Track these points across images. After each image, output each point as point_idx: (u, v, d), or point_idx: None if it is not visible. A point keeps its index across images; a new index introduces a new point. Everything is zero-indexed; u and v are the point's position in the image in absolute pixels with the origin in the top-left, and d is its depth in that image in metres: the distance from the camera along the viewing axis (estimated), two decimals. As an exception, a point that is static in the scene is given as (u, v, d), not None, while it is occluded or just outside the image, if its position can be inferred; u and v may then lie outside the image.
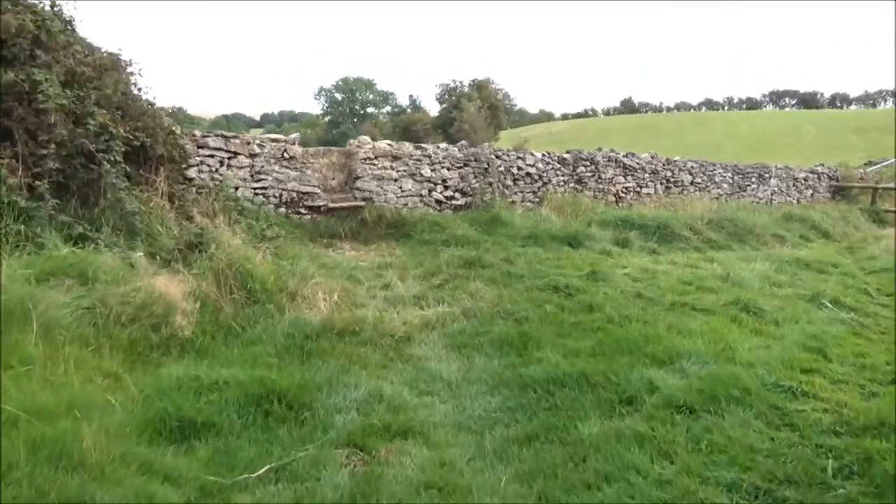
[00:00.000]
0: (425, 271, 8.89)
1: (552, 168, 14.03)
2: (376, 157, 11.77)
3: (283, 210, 10.97)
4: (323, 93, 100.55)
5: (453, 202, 12.59)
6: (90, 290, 5.37)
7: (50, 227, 6.92)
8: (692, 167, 16.25)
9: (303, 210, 11.15)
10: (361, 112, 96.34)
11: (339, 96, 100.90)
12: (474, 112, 56.33)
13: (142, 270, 5.92)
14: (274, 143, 10.96)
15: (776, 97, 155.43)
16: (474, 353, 5.89)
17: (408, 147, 12.21)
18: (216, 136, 10.44)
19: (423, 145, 12.58)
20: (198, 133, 10.38)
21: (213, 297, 5.96)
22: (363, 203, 11.52)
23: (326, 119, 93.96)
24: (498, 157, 13.24)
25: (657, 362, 5.50)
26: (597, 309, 7.11)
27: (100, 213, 7.67)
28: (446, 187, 12.55)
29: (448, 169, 12.56)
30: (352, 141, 12.08)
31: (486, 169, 12.86)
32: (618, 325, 6.57)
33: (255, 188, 10.74)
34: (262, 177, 10.80)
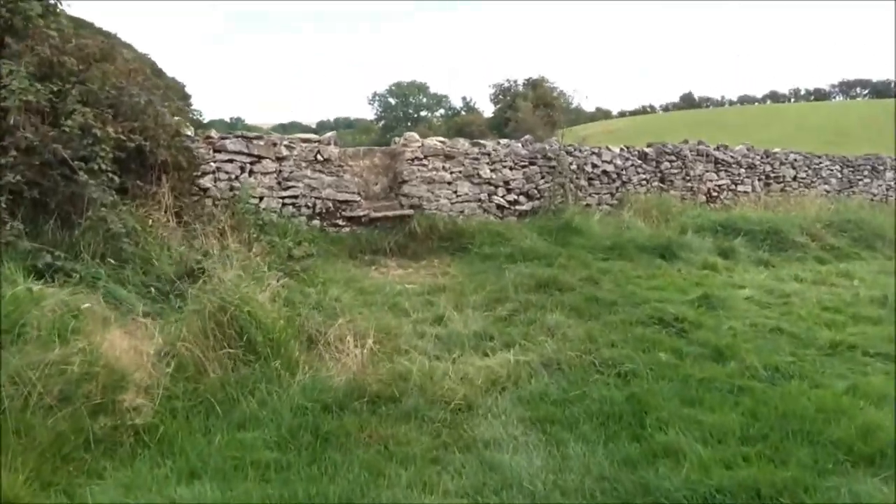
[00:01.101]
0: (488, 297, 7.03)
1: (632, 165, 11.98)
2: (426, 157, 9.99)
3: (316, 222, 9.31)
4: (376, 98, 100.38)
5: (518, 207, 10.70)
6: (11, 353, 3.73)
7: (6, 255, 5.39)
8: (795, 160, 13.91)
9: (340, 221, 9.46)
10: (415, 116, 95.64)
11: (392, 101, 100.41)
12: (529, 111, 54.42)
13: (96, 318, 4.26)
14: (305, 145, 9.30)
15: (846, 87, 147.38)
16: (566, 435, 3.99)
17: (463, 144, 10.40)
18: (236, 137, 8.85)
19: (481, 141, 10.75)
20: (214, 134, 8.81)
21: (195, 357, 4.25)
22: (411, 211, 9.76)
23: (381, 124, 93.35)
24: (569, 152, 11.28)
25: (858, 458, 3.52)
26: (728, 355, 5.13)
27: (80, 236, 6.13)
28: (509, 190, 10.68)
29: (511, 168, 10.68)
30: (397, 139, 10.34)
31: (555, 167, 10.93)
32: (769, 384, 4.58)
33: (283, 197, 9.10)
34: (292, 184, 9.15)
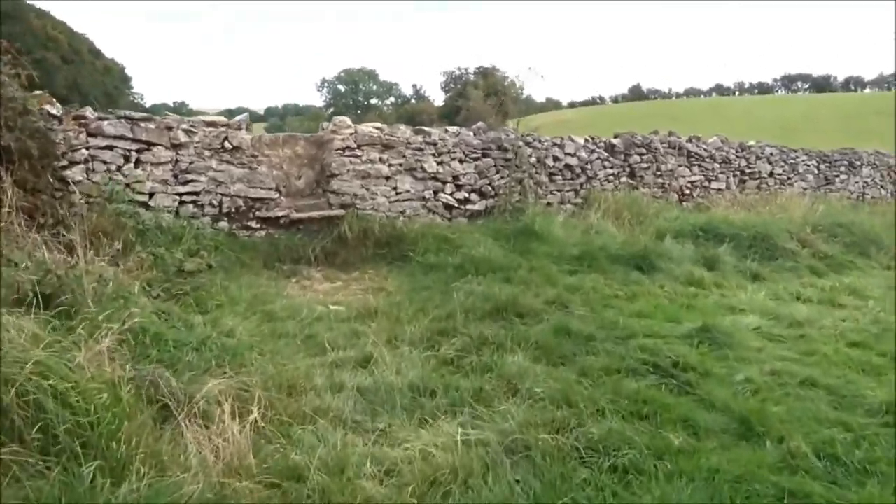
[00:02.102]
0: (431, 326, 5.50)
1: (598, 158, 10.57)
2: (359, 147, 8.35)
3: (224, 224, 7.59)
4: (326, 84, 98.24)
5: (469, 207, 9.17)
6: None
7: None
8: (771, 154, 12.73)
9: (254, 223, 7.77)
10: (365, 103, 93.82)
11: (341, 88, 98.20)
12: (480, 99, 52.95)
13: None
14: (209, 129, 7.55)
15: (788, 81, 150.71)
16: None
17: (404, 132, 8.78)
18: (118, 118, 7.05)
19: (426, 129, 9.14)
20: (90, 114, 6.99)
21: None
22: (342, 212, 8.12)
23: (330, 111, 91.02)
24: (527, 143, 9.79)
25: None
26: (760, 429, 3.68)
27: None
28: (459, 186, 9.13)
29: (461, 161, 9.13)
30: (325, 125, 8.65)
31: (511, 160, 9.43)
32: (831, 484, 3.16)
33: (180, 194, 7.35)
34: (192, 177, 7.41)
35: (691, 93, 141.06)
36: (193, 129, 7.42)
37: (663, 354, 4.71)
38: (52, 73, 54.57)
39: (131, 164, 7.03)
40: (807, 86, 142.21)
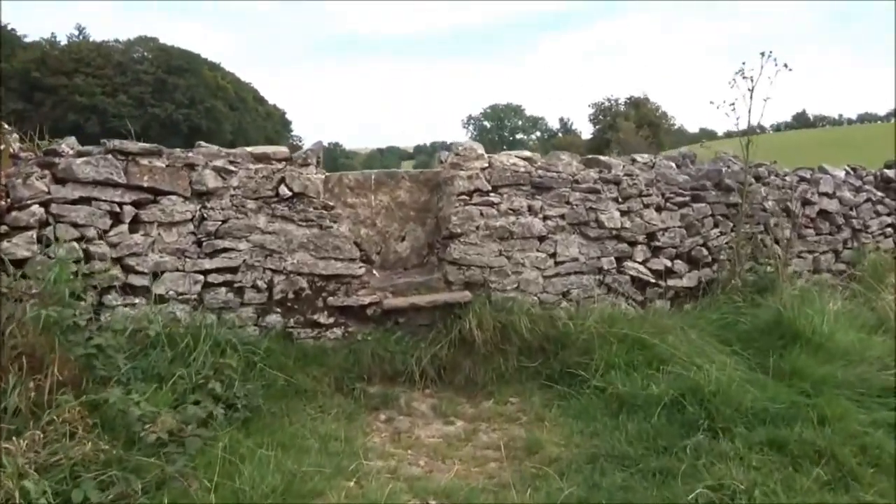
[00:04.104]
0: None
1: (867, 199, 6.74)
2: (496, 189, 5.18)
3: (275, 319, 4.67)
4: (471, 121, 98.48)
5: (673, 283, 5.69)
6: None
7: None
8: None
9: (324, 317, 4.78)
10: (510, 139, 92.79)
11: (487, 124, 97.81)
12: (632, 131, 48.68)
13: None
14: (257, 168, 4.69)
15: None
16: None
17: (568, 163, 5.49)
18: (107, 153, 4.32)
19: (603, 158, 5.79)
20: (66, 148, 4.33)
21: None
22: (465, 295, 4.95)
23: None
24: (758, 177, 6.20)
25: None
26: None
27: None
28: (656, 249, 5.69)
29: (659, 208, 5.70)
30: (443, 155, 5.56)
31: (738, 205, 5.88)
32: None
33: (204, 271, 4.51)
34: (227, 244, 4.55)
35: (866, 118, 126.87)
36: (231, 169, 4.59)
37: None
38: (221, 120, 57.39)
39: (123, 227, 4.29)
40: None
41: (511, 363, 4.79)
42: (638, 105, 60.99)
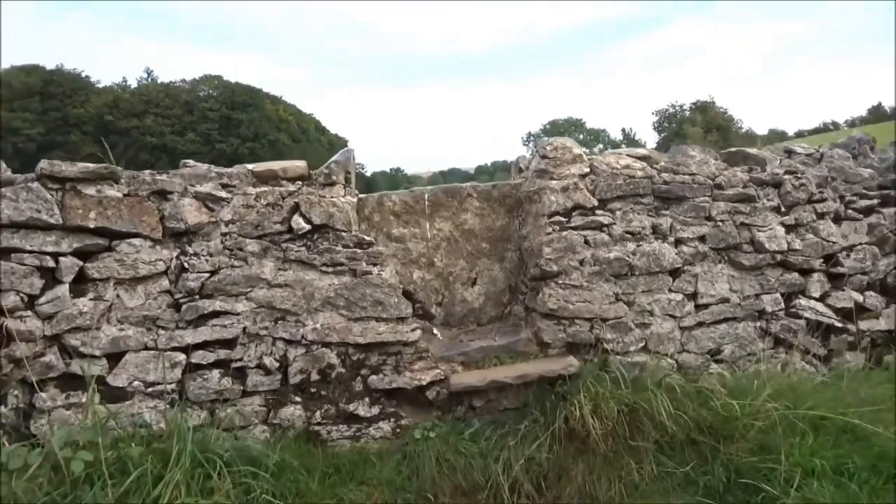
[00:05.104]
0: None
1: None
2: (603, 204, 3.57)
3: (295, 414, 3.18)
4: (531, 138, 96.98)
5: (865, 325, 3.92)
6: None
7: None
8: None
9: (364, 406, 3.26)
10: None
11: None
12: (700, 137, 46.18)
13: None
14: (260, 190, 3.25)
15: None
16: None
17: (703, 161, 3.82)
18: (37, 179, 2.97)
19: (753, 151, 4.07)
20: (-15, 177, 3.01)
21: None
22: (570, 364, 3.34)
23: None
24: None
25: None
26: None
27: None
28: (835, 278, 3.94)
29: (837, 217, 3.96)
30: (522, 161, 4.00)
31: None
32: None
33: (185, 347, 3.07)
34: (218, 305, 3.12)
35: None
36: (221, 196, 3.17)
37: None
38: (284, 152, 58.00)
39: (61, 289, 2.90)
40: None
41: (647, 468, 3.14)
42: (705, 109, 58.03)
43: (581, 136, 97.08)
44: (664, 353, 3.55)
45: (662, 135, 63.28)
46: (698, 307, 3.66)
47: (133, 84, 59.47)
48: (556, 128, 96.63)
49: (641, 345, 3.52)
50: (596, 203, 3.55)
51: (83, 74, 54.45)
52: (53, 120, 48.50)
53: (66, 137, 47.71)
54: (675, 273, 3.63)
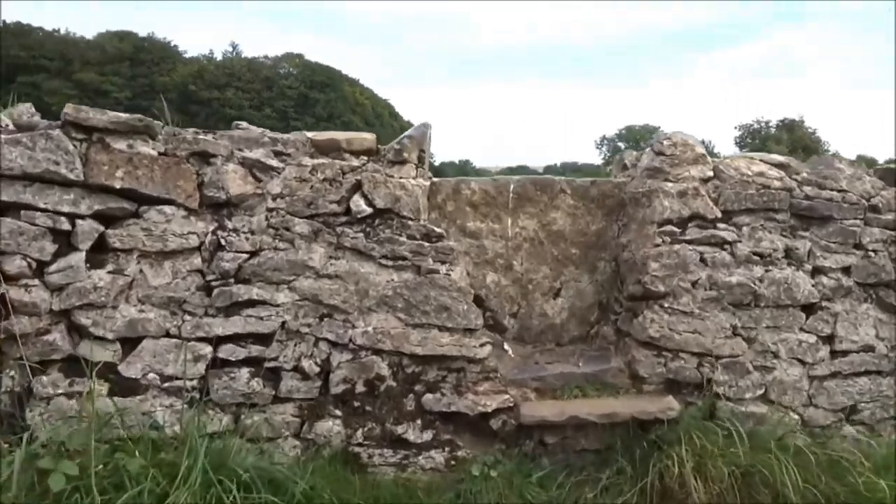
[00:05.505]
0: None
1: None
2: (727, 216, 2.92)
3: (328, 430, 2.67)
4: (605, 142, 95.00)
5: None
6: None
7: None
8: None
9: (415, 432, 2.73)
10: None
11: (622, 145, 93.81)
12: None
13: None
14: (319, 161, 2.75)
15: None
16: None
17: (854, 174, 3.12)
18: (50, 131, 2.53)
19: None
20: (8, 118, 2.59)
21: None
22: (669, 405, 2.73)
23: (608, 169, 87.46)
24: None
25: None
26: None
27: None
28: None
29: None
30: (629, 157, 3.39)
31: None
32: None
33: (213, 339, 2.60)
34: (256, 292, 2.63)
35: None
36: (273, 164, 2.68)
37: None
38: (357, 135, 58.80)
39: (77, 257, 2.46)
40: None
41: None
42: (792, 128, 55.24)
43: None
44: (787, 405, 2.88)
45: (745, 150, 60.89)
46: (834, 353, 2.97)
47: (218, 56, 60.81)
48: (632, 133, 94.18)
49: (760, 392, 2.86)
50: (719, 214, 2.90)
51: (172, 44, 56.00)
52: (140, 86, 49.95)
53: (150, 103, 49.15)
54: (809, 309, 2.94)
